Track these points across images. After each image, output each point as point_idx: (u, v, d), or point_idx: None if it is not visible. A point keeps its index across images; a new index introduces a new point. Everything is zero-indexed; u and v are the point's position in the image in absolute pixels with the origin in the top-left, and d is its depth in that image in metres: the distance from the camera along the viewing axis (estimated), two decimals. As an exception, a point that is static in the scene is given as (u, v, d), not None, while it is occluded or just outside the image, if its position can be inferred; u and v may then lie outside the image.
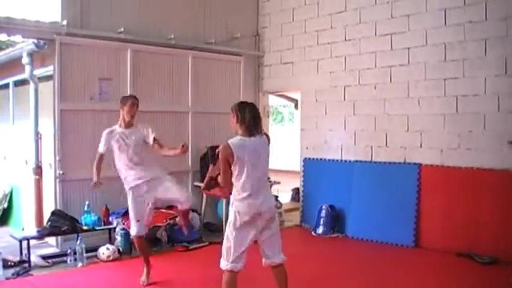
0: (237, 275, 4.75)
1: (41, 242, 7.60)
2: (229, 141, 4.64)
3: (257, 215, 4.67)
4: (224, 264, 4.73)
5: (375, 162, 8.53)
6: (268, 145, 4.86)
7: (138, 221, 6.05)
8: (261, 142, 4.75)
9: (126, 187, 6.14)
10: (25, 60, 7.85)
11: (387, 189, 8.18)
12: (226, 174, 4.69)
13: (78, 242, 6.83)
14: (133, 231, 6.12)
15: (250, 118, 4.73)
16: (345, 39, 8.95)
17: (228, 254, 4.72)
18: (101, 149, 6.18)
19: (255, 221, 4.70)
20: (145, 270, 6.15)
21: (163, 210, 8.00)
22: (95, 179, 6.17)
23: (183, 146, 5.95)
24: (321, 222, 8.76)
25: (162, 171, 6.38)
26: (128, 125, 6.23)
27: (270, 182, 9.55)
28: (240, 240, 4.70)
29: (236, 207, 4.70)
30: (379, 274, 6.56)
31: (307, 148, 9.63)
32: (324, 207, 8.77)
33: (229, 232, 4.72)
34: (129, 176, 6.11)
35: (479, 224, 7.15)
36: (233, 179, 4.69)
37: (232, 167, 4.64)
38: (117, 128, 6.21)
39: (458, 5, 7.47)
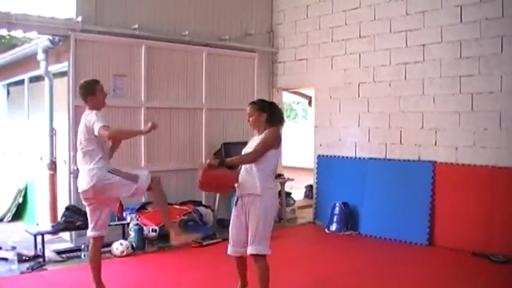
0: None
1: (55, 237, 7.64)
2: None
3: None
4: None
5: (389, 160, 8.50)
6: None
7: None
8: None
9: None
10: (40, 56, 7.89)
11: (401, 187, 8.15)
12: (264, 153, 4.85)
13: (92, 237, 6.86)
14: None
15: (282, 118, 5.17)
16: (360, 36, 8.91)
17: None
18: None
19: None
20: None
21: (176, 206, 8.03)
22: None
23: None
24: (334, 219, 8.74)
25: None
26: None
27: (283, 178, 9.62)
28: None
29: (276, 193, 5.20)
30: (392, 272, 6.54)
31: (321, 145, 9.61)
32: (337, 204, 8.75)
33: (271, 219, 4.99)
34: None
35: (494, 223, 7.10)
36: (266, 165, 4.90)
37: (270, 154, 4.89)
38: None
39: (475, 2, 7.41)
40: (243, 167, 4.95)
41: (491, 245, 7.02)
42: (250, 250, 4.83)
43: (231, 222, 5.11)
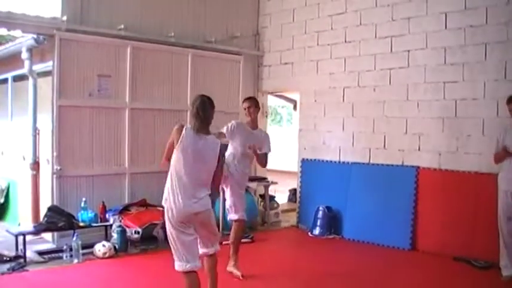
0: (195, 275, 4.67)
1: (37, 237, 7.58)
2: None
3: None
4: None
5: (373, 165, 8.53)
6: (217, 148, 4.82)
7: None
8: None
9: None
10: (24, 55, 7.84)
11: (384, 192, 8.18)
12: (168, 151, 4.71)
13: (75, 238, 6.82)
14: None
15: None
16: (345, 41, 8.95)
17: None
18: None
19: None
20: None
21: (159, 208, 7.97)
22: None
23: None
24: (318, 223, 8.76)
25: None
26: None
27: (267, 182, 9.62)
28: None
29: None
30: (375, 276, 6.56)
31: (305, 149, 9.63)
32: (321, 208, 8.76)
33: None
34: None
35: (476, 228, 7.14)
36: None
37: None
38: None
39: (459, 9, 7.47)
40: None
41: (473, 250, 7.07)
42: None
43: None
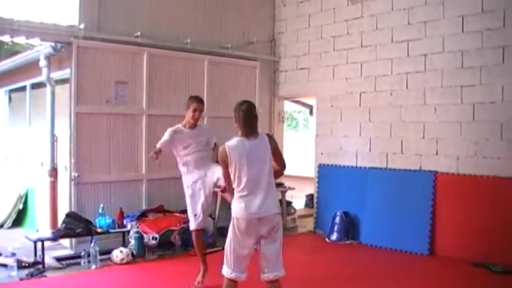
0: (234, 285, 4.69)
1: (55, 243, 7.62)
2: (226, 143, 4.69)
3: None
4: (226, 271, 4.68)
5: (390, 169, 8.48)
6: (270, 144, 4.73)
7: (194, 215, 6.23)
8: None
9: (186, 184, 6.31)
10: (42, 63, 7.91)
11: (402, 197, 8.13)
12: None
13: (92, 244, 6.86)
14: (191, 226, 6.32)
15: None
16: (361, 46, 8.93)
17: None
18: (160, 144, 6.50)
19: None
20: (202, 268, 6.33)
21: (177, 214, 8.02)
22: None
23: None
24: (335, 228, 8.73)
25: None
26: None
27: (284, 187, 9.59)
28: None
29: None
30: (392, 282, 6.51)
31: (322, 154, 9.60)
32: (338, 213, 8.73)
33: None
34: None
35: (495, 233, 7.08)
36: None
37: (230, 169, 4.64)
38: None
39: (476, 12, 7.42)
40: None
41: (491, 255, 7.00)
42: None
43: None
